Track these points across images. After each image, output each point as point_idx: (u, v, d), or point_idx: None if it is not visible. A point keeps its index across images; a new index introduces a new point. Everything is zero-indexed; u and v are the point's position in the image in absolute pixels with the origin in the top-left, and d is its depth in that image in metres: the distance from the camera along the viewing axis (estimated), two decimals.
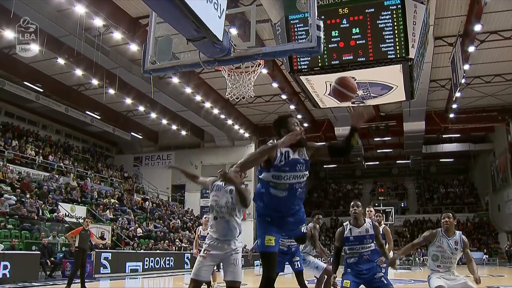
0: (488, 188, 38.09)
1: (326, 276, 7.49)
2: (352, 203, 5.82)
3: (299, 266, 7.35)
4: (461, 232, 5.65)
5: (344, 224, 5.84)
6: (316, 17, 3.91)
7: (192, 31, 3.65)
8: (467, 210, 39.22)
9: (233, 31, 13.29)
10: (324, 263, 7.84)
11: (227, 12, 3.93)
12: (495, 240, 35.84)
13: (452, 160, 41.68)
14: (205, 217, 10.14)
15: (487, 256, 31.76)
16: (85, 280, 11.50)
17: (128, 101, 25.38)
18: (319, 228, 8.08)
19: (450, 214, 5.61)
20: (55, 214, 19.02)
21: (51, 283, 11.34)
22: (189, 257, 19.89)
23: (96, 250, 17.15)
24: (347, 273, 5.61)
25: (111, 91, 23.15)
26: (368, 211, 8.36)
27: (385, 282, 5.46)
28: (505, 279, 17.66)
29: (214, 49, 3.99)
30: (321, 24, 3.90)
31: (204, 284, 8.90)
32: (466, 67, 19.71)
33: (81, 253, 11.63)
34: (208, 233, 8.65)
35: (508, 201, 32.29)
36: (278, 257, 4.64)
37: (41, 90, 24.12)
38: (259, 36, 18.77)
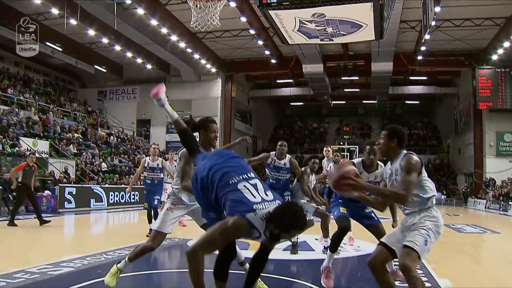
0: (451, 132, 39.13)
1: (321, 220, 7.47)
2: (368, 149, 5.30)
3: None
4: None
5: (356, 161, 5.37)
6: None
7: None
8: (429, 152, 40.35)
9: None
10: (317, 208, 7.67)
11: None
12: (454, 182, 37.28)
13: (417, 102, 42.28)
14: (154, 147, 9.93)
15: (445, 197, 33.05)
16: (48, 215, 11.44)
17: (91, 32, 24.30)
18: (310, 173, 7.71)
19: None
20: (16, 149, 18.56)
21: (36, 217, 11.28)
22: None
23: (60, 184, 17.00)
24: (337, 202, 5.43)
25: (73, 22, 22.11)
26: (325, 151, 8.41)
27: (375, 218, 5.26)
28: (460, 218, 18.55)
29: None
30: None
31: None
32: (437, 9, 19.59)
33: (25, 189, 11.52)
34: (160, 174, 8.51)
35: (469, 145, 33.32)
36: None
37: None
38: None
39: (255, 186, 3.32)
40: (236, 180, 3.31)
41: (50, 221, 11.49)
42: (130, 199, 20.32)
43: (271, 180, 7.46)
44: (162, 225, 4.64)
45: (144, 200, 9.75)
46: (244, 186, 3.28)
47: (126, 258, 4.61)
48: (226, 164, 3.47)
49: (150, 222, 9.16)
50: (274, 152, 7.43)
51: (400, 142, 3.71)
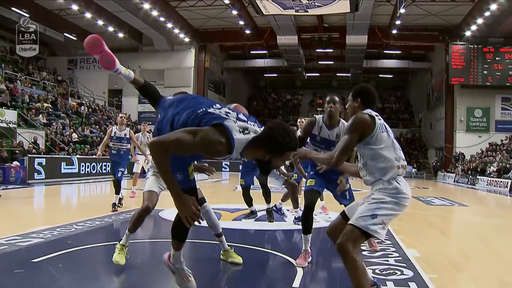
0: (423, 106, 39.70)
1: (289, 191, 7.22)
2: (328, 99, 5.00)
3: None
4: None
5: (317, 117, 5.10)
6: None
7: None
8: (401, 126, 40.96)
9: None
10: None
11: None
12: (425, 155, 38.02)
13: (391, 76, 42.62)
14: (121, 116, 9.59)
15: (415, 170, 33.69)
16: (17, 186, 11.18)
17: None
18: None
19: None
20: None
21: None
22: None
23: (29, 155, 16.63)
24: (309, 174, 5.14)
25: None
26: (299, 122, 8.40)
27: (348, 196, 4.99)
28: (429, 191, 18.96)
29: None
30: None
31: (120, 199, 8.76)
32: None
33: None
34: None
35: (440, 119, 33.89)
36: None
37: None
38: None
39: (226, 111, 3.00)
40: (204, 109, 2.99)
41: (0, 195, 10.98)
42: (101, 170, 20.08)
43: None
44: (151, 186, 4.71)
45: (111, 171, 9.29)
46: (214, 109, 3.01)
47: (126, 230, 4.55)
48: (189, 105, 3.15)
49: (117, 193, 8.79)
50: None
51: (365, 102, 3.34)
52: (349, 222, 3.12)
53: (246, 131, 2.88)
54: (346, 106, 3.56)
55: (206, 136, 2.76)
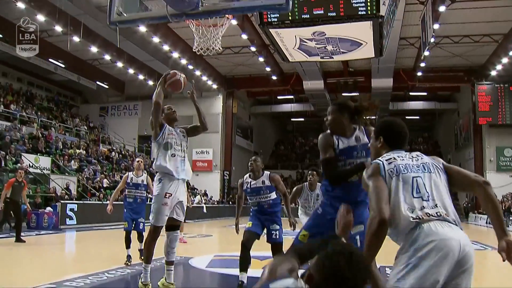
0: (451, 146, 39.19)
1: None
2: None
3: (277, 236, 5.98)
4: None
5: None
6: None
7: None
8: None
9: None
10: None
11: None
12: (455, 197, 37.19)
13: (417, 117, 42.45)
14: (138, 161, 8.74)
15: None
16: (50, 232, 11.40)
17: (94, 49, 24.55)
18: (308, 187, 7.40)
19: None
20: (19, 165, 18.62)
21: (15, 234, 11.26)
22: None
23: (62, 201, 17.03)
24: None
25: (76, 39, 22.33)
26: None
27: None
28: None
29: (182, 3, 3.86)
30: None
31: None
32: (436, 26, 19.81)
33: (11, 205, 11.39)
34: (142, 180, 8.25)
35: (469, 159, 33.34)
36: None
37: (1, 35, 23.03)
38: None
39: None
40: None
41: (25, 241, 11.16)
42: None
43: (252, 208, 6.20)
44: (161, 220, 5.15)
45: (124, 219, 8.19)
46: None
47: (143, 266, 4.95)
48: None
49: (128, 246, 7.92)
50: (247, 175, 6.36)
51: (388, 141, 2.82)
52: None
53: None
54: (368, 145, 3.20)
55: None
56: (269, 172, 6.26)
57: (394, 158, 2.65)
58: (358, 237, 3.40)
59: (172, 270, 5.19)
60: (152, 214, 5.13)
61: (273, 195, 6.08)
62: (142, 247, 7.39)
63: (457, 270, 2.34)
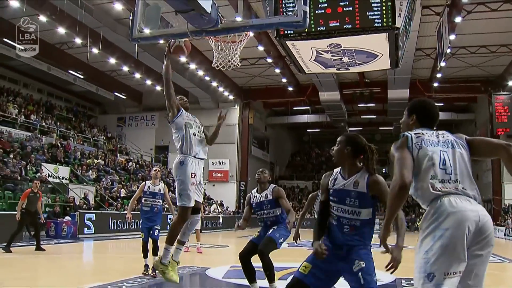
0: None
1: None
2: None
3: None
4: None
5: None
6: None
7: (181, 3, 3.65)
8: None
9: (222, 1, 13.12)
10: None
11: None
12: None
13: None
14: (155, 170, 8.78)
15: None
16: (68, 241, 11.56)
17: (112, 60, 24.99)
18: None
19: None
20: (39, 174, 18.96)
21: (35, 242, 11.46)
22: (172, 219, 20.00)
23: (80, 210, 17.28)
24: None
25: (95, 51, 22.74)
26: None
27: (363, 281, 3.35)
28: None
29: (202, 20, 4.00)
30: None
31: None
32: (452, 37, 19.80)
33: (27, 215, 11.50)
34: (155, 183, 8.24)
35: (487, 171, 32.97)
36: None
37: (22, 47, 23.53)
38: (247, 1, 18.53)
39: None
40: None
41: (45, 250, 11.41)
42: None
43: (259, 223, 6.13)
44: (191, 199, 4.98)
45: (141, 230, 8.26)
46: None
47: (164, 246, 4.91)
48: None
49: (145, 256, 7.91)
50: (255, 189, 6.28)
51: (421, 119, 3.20)
52: None
53: None
54: (400, 122, 3.34)
55: None
56: (274, 185, 6.09)
57: (422, 133, 2.92)
58: (360, 274, 3.31)
59: (181, 250, 5.11)
60: (179, 196, 4.96)
61: (277, 211, 5.86)
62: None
63: (477, 238, 2.59)
